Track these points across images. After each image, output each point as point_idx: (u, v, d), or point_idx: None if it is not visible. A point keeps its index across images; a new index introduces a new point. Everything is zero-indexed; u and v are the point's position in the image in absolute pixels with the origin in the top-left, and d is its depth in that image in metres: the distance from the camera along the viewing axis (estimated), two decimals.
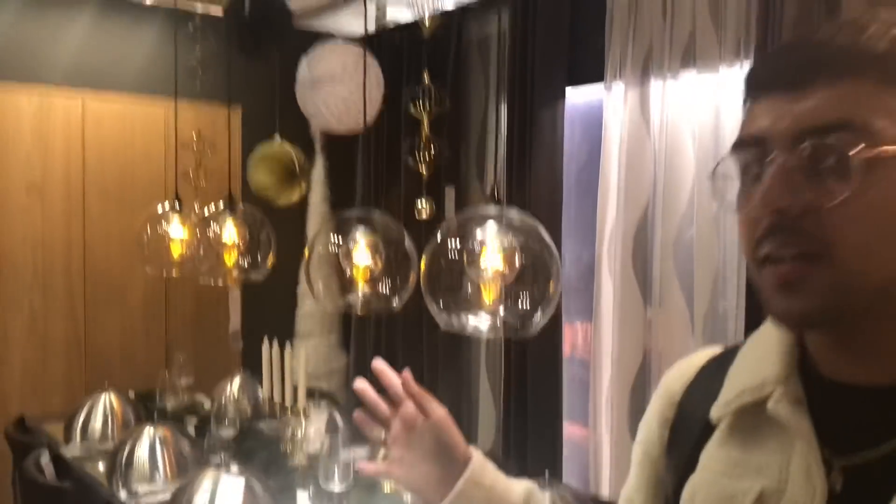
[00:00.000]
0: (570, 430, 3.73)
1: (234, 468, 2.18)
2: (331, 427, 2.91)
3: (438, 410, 1.01)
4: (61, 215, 4.20)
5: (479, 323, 1.76)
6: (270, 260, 2.84)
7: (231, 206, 2.80)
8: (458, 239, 1.78)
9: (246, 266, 2.87)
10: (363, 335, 4.58)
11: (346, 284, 2.27)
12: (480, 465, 1.00)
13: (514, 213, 1.79)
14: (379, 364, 1.04)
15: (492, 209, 1.76)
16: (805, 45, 0.68)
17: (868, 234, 0.63)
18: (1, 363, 4.02)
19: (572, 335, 3.83)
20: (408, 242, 2.24)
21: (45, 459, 2.64)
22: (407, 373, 1.02)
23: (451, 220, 1.81)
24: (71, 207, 4.22)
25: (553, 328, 3.53)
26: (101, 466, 2.71)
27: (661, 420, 0.86)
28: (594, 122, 3.38)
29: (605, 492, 3.35)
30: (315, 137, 4.34)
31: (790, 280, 0.65)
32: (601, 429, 3.39)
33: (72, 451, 2.85)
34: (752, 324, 2.74)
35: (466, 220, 1.82)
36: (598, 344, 3.38)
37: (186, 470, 2.58)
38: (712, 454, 0.78)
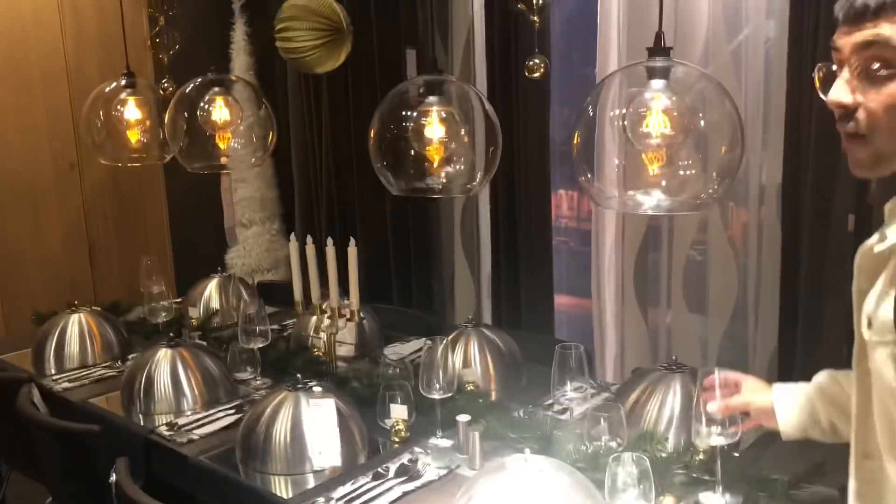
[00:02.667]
0: (558, 300, 3.61)
1: (317, 388, 1.87)
2: (371, 329, 2.62)
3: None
4: None
5: (647, 200, 1.52)
6: (272, 139, 2.41)
7: (220, 80, 2.32)
8: (618, 103, 1.49)
9: (238, 147, 2.43)
10: (310, 219, 4.19)
11: (414, 164, 1.94)
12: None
13: (680, 68, 1.52)
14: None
15: (657, 61, 1.48)
16: None
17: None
18: None
19: (556, 202, 3.65)
20: (489, 108, 1.92)
21: (36, 396, 2.20)
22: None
23: (609, 78, 1.52)
24: None
25: (543, 195, 3.34)
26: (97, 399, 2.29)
27: None
28: None
29: (610, 354, 3.29)
30: None
31: (847, 148, 1.01)
32: (604, 297, 3.28)
33: (58, 383, 2.39)
34: (790, 164, 2.62)
35: (616, 78, 1.53)
36: (600, 210, 3.22)
37: (218, 393, 2.23)
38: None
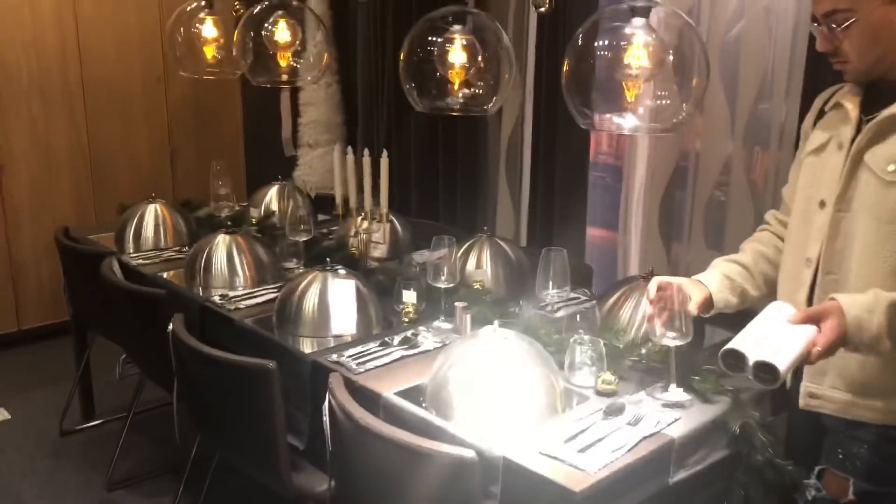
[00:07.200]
0: (591, 233, 3.83)
1: (342, 271, 2.21)
2: (394, 231, 2.94)
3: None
4: (52, 15, 3.87)
5: (624, 122, 1.76)
6: (325, 60, 2.71)
7: (284, 4, 2.63)
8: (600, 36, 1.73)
9: (297, 66, 2.74)
10: (371, 141, 4.50)
11: (439, 86, 2.22)
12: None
13: (662, 7, 1.74)
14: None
15: (638, 2, 1.71)
16: None
17: (857, 49, 1.51)
18: (7, 175, 3.85)
19: (596, 139, 3.84)
20: (506, 40, 2.17)
21: (115, 267, 2.61)
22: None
23: (594, 16, 1.75)
24: (61, 6, 3.89)
25: (581, 131, 3.53)
26: (165, 274, 2.70)
27: (809, 124, 1.74)
28: None
29: None
30: None
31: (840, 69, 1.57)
32: (630, 231, 3.50)
33: (135, 259, 2.81)
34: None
35: (607, 16, 1.77)
36: (632, 147, 3.42)
37: (265, 275, 2.60)
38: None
